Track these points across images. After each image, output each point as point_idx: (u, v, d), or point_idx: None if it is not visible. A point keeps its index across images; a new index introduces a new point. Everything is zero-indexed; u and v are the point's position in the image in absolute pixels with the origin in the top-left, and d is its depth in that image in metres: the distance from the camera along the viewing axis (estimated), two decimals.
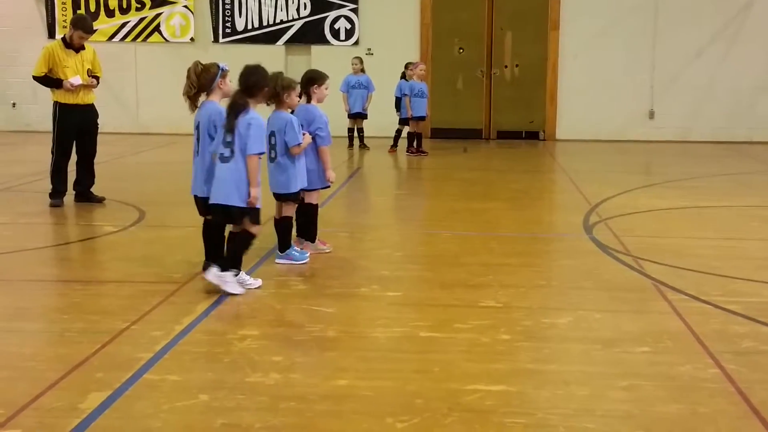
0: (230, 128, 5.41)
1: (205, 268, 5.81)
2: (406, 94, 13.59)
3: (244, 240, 5.55)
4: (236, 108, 5.43)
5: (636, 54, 15.80)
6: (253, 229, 5.53)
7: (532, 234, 7.66)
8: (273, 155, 6.16)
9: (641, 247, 6.83)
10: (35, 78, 8.65)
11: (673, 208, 8.83)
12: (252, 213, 5.48)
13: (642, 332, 4.76)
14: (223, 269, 5.43)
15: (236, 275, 5.46)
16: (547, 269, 6.53)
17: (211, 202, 5.50)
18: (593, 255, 6.68)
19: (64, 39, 8.76)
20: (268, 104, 6.08)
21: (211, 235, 5.83)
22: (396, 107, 13.81)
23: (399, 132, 13.92)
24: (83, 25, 8.76)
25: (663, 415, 3.68)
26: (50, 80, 8.57)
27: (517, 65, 16.21)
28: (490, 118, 16.40)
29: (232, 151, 5.40)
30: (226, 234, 5.72)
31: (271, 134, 6.12)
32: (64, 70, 8.53)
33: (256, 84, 5.55)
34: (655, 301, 5.40)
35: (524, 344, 4.59)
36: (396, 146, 13.98)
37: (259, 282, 5.64)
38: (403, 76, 13.76)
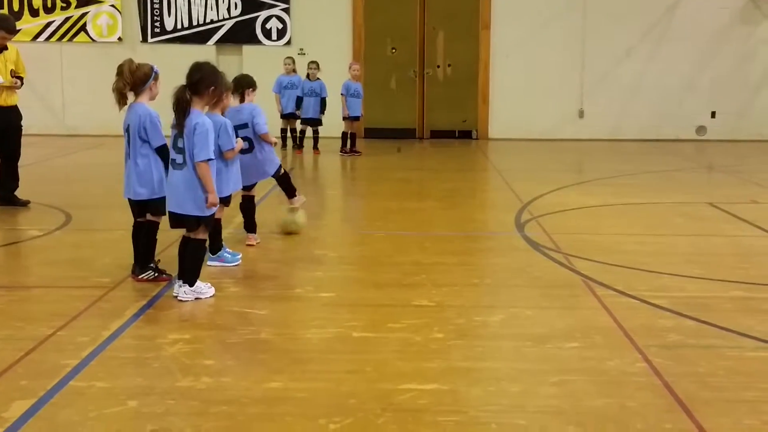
0: (180, 130, 5.20)
1: (134, 271, 5.73)
2: (342, 94, 13.59)
3: (200, 247, 5.41)
4: (181, 105, 5.18)
5: (566, 53, 16.06)
6: (203, 234, 5.41)
7: (466, 233, 7.72)
8: None
9: (571, 244, 6.93)
10: None
11: (602, 205, 8.99)
12: (207, 220, 5.37)
13: (572, 328, 4.83)
14: (188, 282, 5.31)
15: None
16: (480, 267, 6.59)
17: (167, 209, 5.35)
18: (525, 252, 6.76)
19: None
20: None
21: (140, 238, 5.74)
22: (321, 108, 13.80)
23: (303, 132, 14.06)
24: (6, 24, 8.53)
25: (593, 409, 3.73)
26: None
27: (449, 65, 16.32)
28: (423, 117, 16.48)
29: (184, 158, 5.22)
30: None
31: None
32: None
33: (202, 81, 5.28)
34: (585, 297, 5.48)
35: (457, 342, 4.61)
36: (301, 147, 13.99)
37: (212, 290, 5.48)
38: (308, 77, 13.73)
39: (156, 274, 5.72)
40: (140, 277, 5.69)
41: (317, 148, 13.90)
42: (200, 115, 5.30)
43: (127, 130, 5.65)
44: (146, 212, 5.73)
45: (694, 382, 4.02)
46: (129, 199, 5.73)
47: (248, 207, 6.96)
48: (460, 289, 5.69)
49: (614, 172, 11.75)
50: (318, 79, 13.81)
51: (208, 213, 5.32)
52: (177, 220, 5.35)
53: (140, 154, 5.59)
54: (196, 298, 5.32)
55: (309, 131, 14.04)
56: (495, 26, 16.12)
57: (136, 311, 5.08)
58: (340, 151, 13.67)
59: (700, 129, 16.26)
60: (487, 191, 10.85)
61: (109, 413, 3.65)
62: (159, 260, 5.83)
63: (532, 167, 12.51)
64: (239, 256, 6.33)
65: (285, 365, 4.24)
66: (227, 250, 6.33)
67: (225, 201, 6.17)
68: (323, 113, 13.87)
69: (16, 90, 8.64)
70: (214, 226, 6.21)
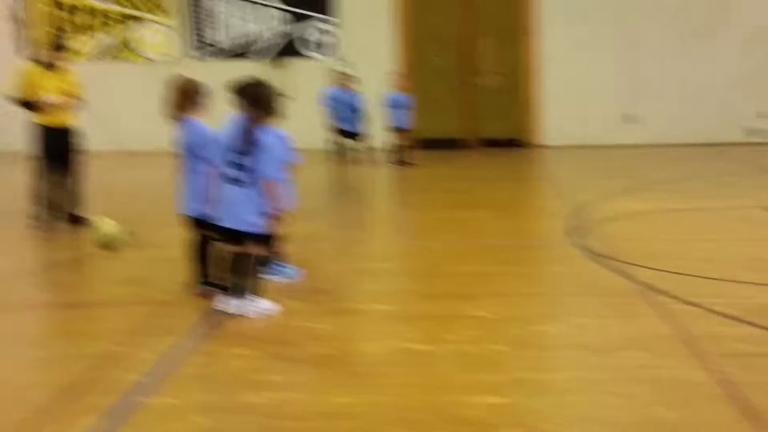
0: (244, 149, 5.24)
1: (194, 288, 5.81)
2: (386, 105, 13.65)
3: (251, 262, 5.44)
4: (246, 122, 5.22)
5: (615, 58, 15.92)
6: (256, 249, 5.45)
7: (518, 242, 7.69)
8: None
9: (626, 252, 6.87)
10: (14, 102, 8.59)
11: (655, 211, 8.89)
12: (263, 237, 5.42)
13: (632, 337, 4.79)
14: (238, 296, 5.36)
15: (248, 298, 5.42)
16: (536, 277, 6.56)
17: (222, 225, 5.36)
18: (580, 261, 6.72)
19: (41, 59, 8.72)
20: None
21: (198, 255, 5.82)
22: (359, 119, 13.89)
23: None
24: (61, 45, 8.74)
25: (657, 419, 3.70)
26: (28, 102, 8.52)
27: (497, 72, 16.28)
28: (472, 126, 16.45)
29: (245, 175, 5.24)
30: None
31: None
32: (41, 91, 8.48)
33: (261, 96, 5.29)
34: (643, 306, 5.43)
35: (516, 353, 4.60)
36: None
37: (272, 305, 5.51)
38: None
39: (212, 288, 5.78)
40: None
41: (367, 160, 13.98)
42: (265, 131, 5.34)
43: (179, 146, 5.74)
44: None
45: (761, 392, 3.96)
46: (185, 215, 5.82)
47: None
48: (516, 299, 5.68)
49: (666, 177, 11.62)
50: (355, 91, 13.93)
51: (267, 230, 5.38)
52: (233, 236, 5.40)
53: (194, 170, 5.66)
54: (256, 314, 5.38)
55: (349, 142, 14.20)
56: (542, 32, 16.05)
57: (198, 327, 5.16)
58: (391, 163, 13.72)
59: (752, 131, 15.99)
60: (539, 199, 10.80)
61: (174, 429, 3.71)
62: (212, 275, 5.89)
63: (584, 174, 12.43)
64: (298, 271, 6.38)
65: (346, 379, 4.27)
66: (286, 265, 6.38)
67: (282, 216, 6.22)
68: (362, 126, 13.98)
69: (73, 110, 8.81)
70: (274, 241, 6.28)
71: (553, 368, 4.42)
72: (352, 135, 14.08)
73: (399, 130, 13.74)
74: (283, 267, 6.34)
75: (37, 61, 8.71)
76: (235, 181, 5.29)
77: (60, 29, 16.16)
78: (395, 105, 13.66)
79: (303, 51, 16.33)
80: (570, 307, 5.49)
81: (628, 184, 11.30)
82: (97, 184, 11.85)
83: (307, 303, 5.74)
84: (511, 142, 16.34)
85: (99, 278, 6.73)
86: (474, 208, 9.61)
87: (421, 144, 16.03)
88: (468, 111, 16.40)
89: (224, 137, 5.32)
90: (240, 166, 5.27)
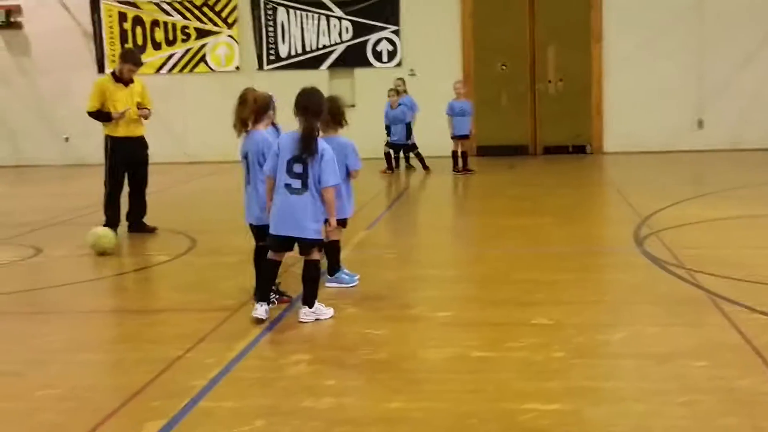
0: (303, 159, 5.31)
1: (256, 294, 5.86)
2: (447, 114, 13.68)
3: (317, 269, 5.52)
4: (311, 132, 5.29)
5: (682, 62, 15.63)
6: (318, 255, 5.54)
7: (583, 249, 7.60)
8: None
9: (694, 259, 6.72)
10: (90, 114, 8.82)
11: (725, 218, 8.68)
12: (320, 243, 5.51)
13: (698, 346, 4.68)
14: (310, 304, 5.45)
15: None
16: (599, 284, 6.47)
17: (279, 233, 5.41)
18: (645, 268, 6.60)
19: (113, 73, 8.94)
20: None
21: (262, 263, 5.89)
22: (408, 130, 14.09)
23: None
24: (132, 58, 8.95)
25: (723, 430, 3.61)
26: (102, 114, 8.74)
27: (561, 79, 16.13)
28: (535, 133, 16.33)
29: (304, 183, 5.31)
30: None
31: None
32: (114, 103, 8.70)
33: (322, 106, 5.42)
34: (711, 314, 5.30)
35: (578, 361, 4.54)
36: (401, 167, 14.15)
37: (331, 311, 5.58)
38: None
39: (278, 297, 5.85)
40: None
41: (428, 167, 14.01)
42: (323, 141, 5.43)
43: (245, 156, 5.82)
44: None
45: None
46: (250, 224, 5.89)
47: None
48: (579, 306, 5.61)
49: (736, 183, 11.34)
50: (401, 104, 14.06)
51: (323, 237, 5.44)
52: (285, 244, 5.47)
53: (260, 180, 5.72)
54: (316, 319, 5.43)
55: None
56: (607, 38, 15.85)
57: (258, 333, 5.22)
58: (453, 170, 13.70)
59: None
60: (603, 206, 10.65)
61: None
62: (279, 282, 5.96)
63: (650, 180, 12.20)
64: (357, 277, 6.41)
65: (404, 385, 4.27)
66: (345, 271, 6.42)
67: (343, 222, 6.27)
68: (410, 137, 14.15)
69: (143, 121, 9.02)
70: (333, 247, 6.33)
71: (616, 377, 4.34)
72: (411, 144, 14.20)
73: (461, 137, 13.72)
74: (343, 273, 6.37)
75: (111, 75, 8.93)
76: (292, 189, 5.35)
77: (133, 44, 16.55)
78: (458, 113, 13.65)
79: (369, 61, 16.41)
80: (634, 316, 5.39)
81: (697, 190, 11.08)
82: (165, 193, 12.10)
83: (366, 309, 5.76)
84: (577, 148, 16.16)
85: (165, 285, 6.87)
86: (538, 214, 9.52)
87: (484, 151, 15.99)
88: (532, 118, 16.27)
89: (285, 147, 5.39)
90: (300, 175, 5.33)
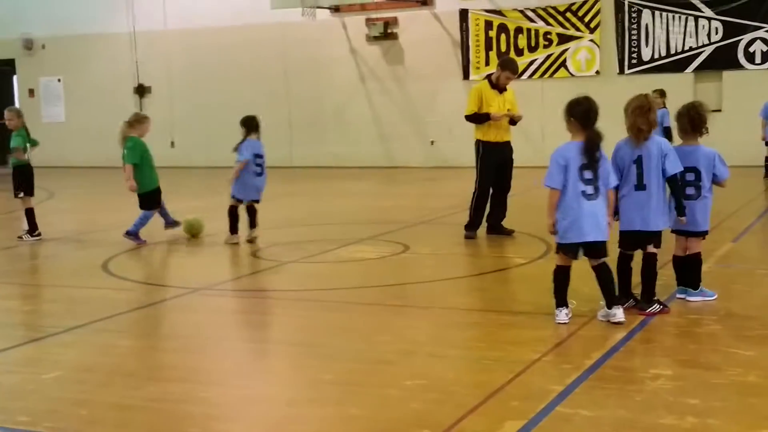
0: (594, 165, 5.49)
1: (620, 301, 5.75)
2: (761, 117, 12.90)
3: (611, 270, 5.64)
4: (599, 143, 5.53)
5: None
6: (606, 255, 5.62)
7: None
8: (695, 192, 5.88)
9: None
10: (467, 118, 9.21)
11: None
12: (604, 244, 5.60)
13: None
14: (615, 304, 5.54)
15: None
16: None
17: (588, 239, 5.49)
18: None
19: (489, 79, 9.28)
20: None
21: (625, 269, 5.84)
22: None
23: None
24: (512, 66, 9.24)
25: None
26: (480, 116, 9.06)
27: None
28: None
29: (596, 188, 5.48)
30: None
31: (692, 170, 5.86)
32: (489, 109, 9.00)
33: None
34: None
35: None
36: None
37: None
38: None
39: (661, 307, 5.74)
40: (647, 311, 5.71)
41: None
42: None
43: (635, 161, 5.72)
44: (647, 244, 5.79)
45: None
46: (627, 231, 5.83)
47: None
48: None
49: None
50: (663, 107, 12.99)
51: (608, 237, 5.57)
52: (596, 249, 5.53)
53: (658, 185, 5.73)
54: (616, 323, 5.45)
55: None
56: None
57: (615, 342, 5.16)
58: (765, 177, 12.98)
59: None
60: None
61: None
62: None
63: None
64: (713, 293, 6.08)
65: None
66: (703, 288, 6.09)
67: (703, 234, 6.00)
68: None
69: (510, 127, 9.26)
70: (696, 259, 6.04)
71: None
72: None
73: None
74: (701, 289, 6.06)
75: (488, 81, 9.28)
76: (587, 195, 5.45)
77: (497, 51, 17.05)
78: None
79: (739, 63, 15.42)
80: None
81: None
82: (522, 197, 12.35)
83: (732, 328, 5.45)
84: None
85: (522, 288, 7.02)
86: None
87: None
88: None
89: (573, 155, 5.55)
90: (588, 181, 5.46)
